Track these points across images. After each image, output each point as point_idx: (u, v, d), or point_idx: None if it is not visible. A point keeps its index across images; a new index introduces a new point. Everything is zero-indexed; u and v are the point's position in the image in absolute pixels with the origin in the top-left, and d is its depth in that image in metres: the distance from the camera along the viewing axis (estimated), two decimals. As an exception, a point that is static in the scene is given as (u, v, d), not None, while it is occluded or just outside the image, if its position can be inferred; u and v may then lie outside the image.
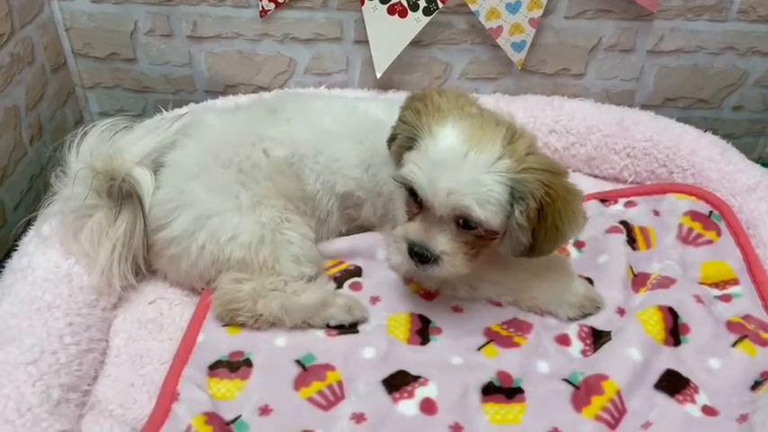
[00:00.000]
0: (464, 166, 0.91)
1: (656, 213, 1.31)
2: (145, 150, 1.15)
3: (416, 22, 1.45)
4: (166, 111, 1.42)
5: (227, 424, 0.94)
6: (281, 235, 1.11)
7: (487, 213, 0.92)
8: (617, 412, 0.95)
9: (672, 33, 1.50)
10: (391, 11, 1.44)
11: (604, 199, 1.37)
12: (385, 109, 1.16)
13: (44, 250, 1.12)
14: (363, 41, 1.51)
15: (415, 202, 0.98)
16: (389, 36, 1.47)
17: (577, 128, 1.47)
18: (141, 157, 1.15)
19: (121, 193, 1.12)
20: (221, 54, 1.58)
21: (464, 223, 0.95)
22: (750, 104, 1.61)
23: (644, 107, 1.54)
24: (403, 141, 1.00)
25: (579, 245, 1.26)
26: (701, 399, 0.97)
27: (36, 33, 1.46)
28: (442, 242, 0.96)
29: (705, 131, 1.42)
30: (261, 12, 1.49)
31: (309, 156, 1.16)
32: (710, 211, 1.28)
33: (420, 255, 0.97)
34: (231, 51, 1.57)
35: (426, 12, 1.44)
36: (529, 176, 0.92)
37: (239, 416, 0.96)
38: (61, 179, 1.15)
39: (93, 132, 1.16)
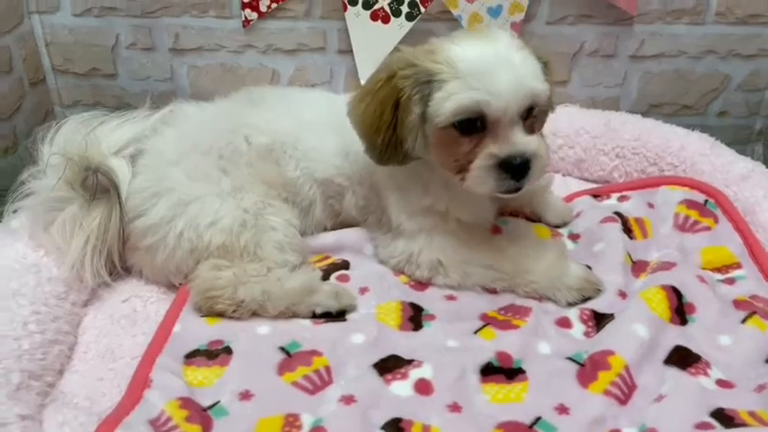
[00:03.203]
0: (504, 55, 0.92)
1: (651, 206, 1.27)
2: (122, 139, 1.12)
3: (399, 27, 1.46)
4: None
5: (205, 410, 0.86)
6: (263, 220, 1.06)
7: (542, 85, 0.94)
8: (626, 387, 0.88)
9: (652, 37, 1.51)
10: (374, 17, 1.45)
11: (597, 194, 1.34)
12: None
13: (11, 242, 1.07)
14: (347, 51, 1.51)
15: (469, 134, 0.94)
16: (373, 42, 1.47)
17: (565, 130, 1.46)
18: (119, 147, 1.11)
19: (96, 186, 1.07)
20: (203, 67, 1.57)
21: (525, 114, 0.95)
22: (734, 110, 1.61)
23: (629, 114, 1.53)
24: (421, 94, 0.94)
25: (574, 237, 1.22)
26: (715, 373, 0.91)
27: (15, 44, 1.44)
28: (531, 140, 0.95)
29: (692, 133, 1.42)
30: (244, 22, 1.49)
31: (289, 143, 1.13)
32: (706, 200, 1.25)
33: (524, 163, 0.93)
34: (214, 64, 1.56)
35: (409, 17, 1.45)
36: (533, 45, 0.98)
37: (217, 401, 0.88)
38: (32, 171, 1.10)
39: (69, 124, 1.13)
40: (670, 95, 1.59)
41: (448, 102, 0.92)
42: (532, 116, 0.98)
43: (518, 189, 0.96)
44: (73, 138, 1.10)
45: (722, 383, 0.89)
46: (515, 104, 0.92)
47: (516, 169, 0.93)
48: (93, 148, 1.09)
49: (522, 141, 0.94)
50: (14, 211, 1.11)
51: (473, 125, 0.93)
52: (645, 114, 1.58)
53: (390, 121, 0.96)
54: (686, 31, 1.51)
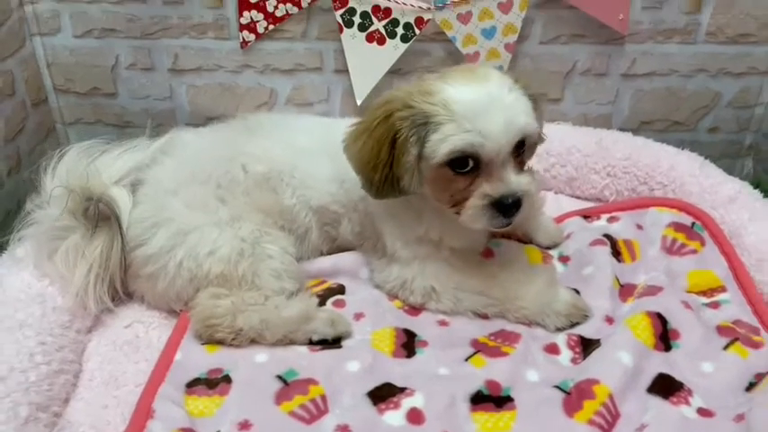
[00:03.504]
0: (496, 96, 0.95)
1: (639, 227, 1.30)
2: (123, 169, 1.15)
3: (395, 49, 1.48)
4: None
5: (205, 440, 0.90)
6: (260, 248, 1.09)
7: (532, 122, 0.98)
8: (610, 416, 0.92)
9: (644, 57, 1.53)
10: (370, 38, 1.47)
11: (587, 215, 1.36)
12: None
13: (17, 272, 1.10)
14: (343, 71, 1.53)
15: (463, 173, 0.98)
16: (369, 63, 1.49)
17: (557, 149, 1.48)
18: (119, 176, 1.14)
19: (98, 215, 1.11)
20: (202, 87, 1.59)
21: (516, 150, 0.98)
22: (725, 126, 1.63)
23: (621, 131, 1.55)
24: (418, 135, 0.97)
25: (564, 259, 1.25)
26: (696, 401, 0.94)
27: (17, 68, 1.47)
28: (521, 179, 0.98)
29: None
30: (242, 43, 1.51)
31: (286, 171, 1.16)
32: (693, 222, 1.27)
33: (515, 202, 0.97)
34: (212, 84, 1.58)
35: (404, 39, 1.47)
36: (523, 82, 1.02)
37: (218, 431, 0.91)
38: (35, 201, 1.13)
39: (71, 154, 1.15)
40: (661, 112, 1.61)
41: (444, 143, 0.95)
42: (523, 150, 1.01)
43: (509, 224, 1.00)
44: (74, 168, 1.13)
45: (703, 412, 0.93)
46: (507, 145, 0.96)
47: (508, 208, 0.97)
48: (95, 179, 1.12)
49: (513, 181, 0.98)
50: (19, 240, 1.14)
51: (467, 165, 0.97)
52: (636, 130, 1.61)
53: (387, 159, 0.99)
54: (677, 50, 1.53)
